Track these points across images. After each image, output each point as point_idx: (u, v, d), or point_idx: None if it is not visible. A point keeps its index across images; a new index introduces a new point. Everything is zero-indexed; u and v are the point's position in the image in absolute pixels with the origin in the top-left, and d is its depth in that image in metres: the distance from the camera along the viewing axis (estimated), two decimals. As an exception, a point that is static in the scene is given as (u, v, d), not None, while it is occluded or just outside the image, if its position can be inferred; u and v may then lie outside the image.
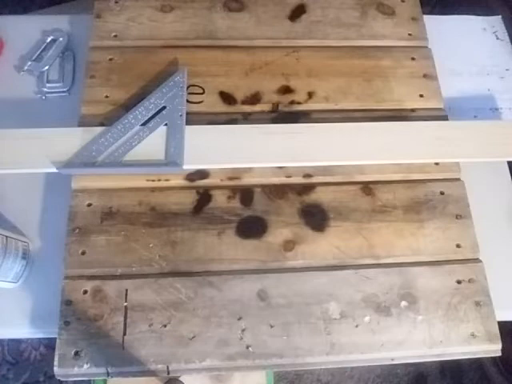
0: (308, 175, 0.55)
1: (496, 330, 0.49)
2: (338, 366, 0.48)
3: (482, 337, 0.49)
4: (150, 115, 0.55)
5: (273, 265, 0.51)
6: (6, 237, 0.49)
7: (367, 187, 0.55)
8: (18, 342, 1.09)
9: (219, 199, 0.53)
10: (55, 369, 0.46)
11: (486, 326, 0.49)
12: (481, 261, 0.52)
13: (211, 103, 0.59)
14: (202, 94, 0.59)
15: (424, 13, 0.67)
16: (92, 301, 0.48)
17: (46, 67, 0.62)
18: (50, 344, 1.07)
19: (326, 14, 0.65)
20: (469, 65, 0.69)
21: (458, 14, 0.73)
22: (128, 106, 0.56)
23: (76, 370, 0.46)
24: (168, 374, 0.47)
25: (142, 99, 0.55)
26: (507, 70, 0.69)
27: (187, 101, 0.57)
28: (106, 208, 0.52)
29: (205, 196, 0.54)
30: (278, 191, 0.54)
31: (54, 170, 0.52)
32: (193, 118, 0.56)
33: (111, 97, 0.58)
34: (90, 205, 0.52)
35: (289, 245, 0.52)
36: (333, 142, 0.55)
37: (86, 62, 0.60)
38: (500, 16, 0.73)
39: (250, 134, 0.55)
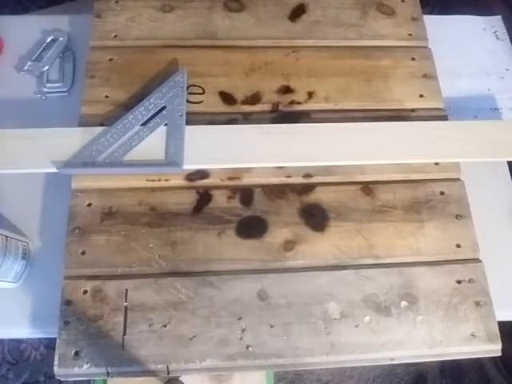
0: (308, 175, 0.55)
1: (496, 330, 0.49)
2: (337, 365, 0.48)
3: (481, 337, 0.49)
4: (150, 115, 0.55)
5: (273, 265, 0.51)
6: (6, 237, 0.49)
7: (367, 187, 0.55)
8: (18, 341, 1.09)
9: (219, 199, 0.53)
10: (55, 369, 0.46)
11: (486, 326, 0.49)
12: (481, 261, 0.52)
13: (211, 103, 0.59)
14: (202, 94, 0.59)
15: (424, 13, 0.67)
16: (92, 301, 0.48)
17: (46, 67, 0.63)
18: (50, 344, 1.07)
19: (326, 14, 0.65)
20: (469, 65, 0.69)
21: (458, 14, 0.73)
22: (128, 105, 0.56)
23: (76, 370, 0.46)
24: (168, 373, 0.47)
25: (142, 99, 0.55)
26: (507, 69, 0.69)
27: (187, 101, 0.57)
28: (106, 208, 0.52)
29: (205, 196, 0.54)
30: (278, 191, 0.54)
31: (54, 170, 0.52)
32: (193, 118, 0.56)
33: (111, 97, 0.58)
34: (89, 205, 0.52)
35: (289, 245, 0.52)
36: (333, 141, 0.55)
37: (86, 62, 0.60)
38: (500, 16, 0.73)
39: (250, 134, 0.55)
